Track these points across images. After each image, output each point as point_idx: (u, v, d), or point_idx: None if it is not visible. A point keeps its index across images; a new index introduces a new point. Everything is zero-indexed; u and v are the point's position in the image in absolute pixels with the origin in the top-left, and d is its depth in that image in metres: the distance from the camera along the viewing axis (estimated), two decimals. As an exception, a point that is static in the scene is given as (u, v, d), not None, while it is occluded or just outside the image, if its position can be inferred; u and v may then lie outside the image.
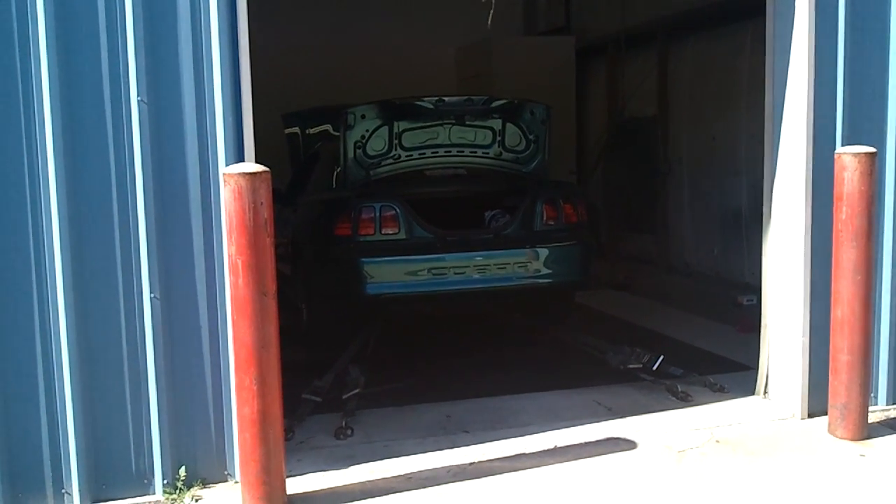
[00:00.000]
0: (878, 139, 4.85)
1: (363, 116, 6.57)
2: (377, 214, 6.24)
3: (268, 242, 3.78)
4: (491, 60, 10.42)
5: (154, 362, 4.07)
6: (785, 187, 5.01)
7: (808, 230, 4.85)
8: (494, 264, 6.36)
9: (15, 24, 3.80)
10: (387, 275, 6.22)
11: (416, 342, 7.31)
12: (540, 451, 4.61)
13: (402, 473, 4.37)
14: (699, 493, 4.11)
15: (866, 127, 4.87)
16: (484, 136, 6.98)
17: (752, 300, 6.72)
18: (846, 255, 4.54)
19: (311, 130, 8.43)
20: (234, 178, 3.73)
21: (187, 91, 4.03)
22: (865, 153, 4.51)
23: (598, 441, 4.74)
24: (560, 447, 4.66)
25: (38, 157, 3.86)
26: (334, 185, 6.93)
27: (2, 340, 3.91)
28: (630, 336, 6.77)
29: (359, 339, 6.44)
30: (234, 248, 3.77)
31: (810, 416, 4.94)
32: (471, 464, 4.48)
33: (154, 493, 4.13)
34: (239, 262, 3.75)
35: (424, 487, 4.20)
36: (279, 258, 4.18)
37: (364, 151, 6.65)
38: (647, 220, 9.56)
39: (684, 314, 7.85)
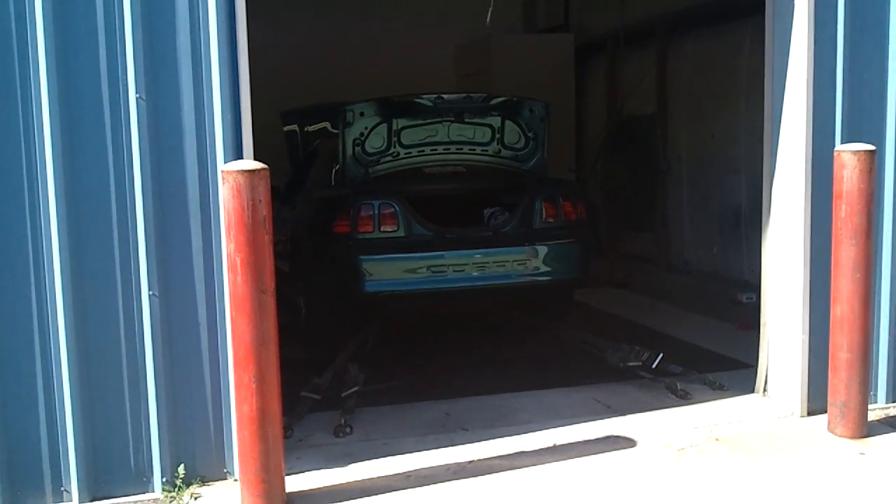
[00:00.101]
0: (878, 137, 4.85)
1: (362, 114, 6.56)
2: (376, 212, 6.23)
3: (266, 240, 3.78)
4: (490, 58, 10.42)
5: (153, 360, 4.07)
6: (784, 185, 5.01)
7: (808, 228, 4.85)
8: (493, 262, 6.36)
9: (13, 23, 3.80)
10: (386, 272, 6.21)
11: (416, 340, 7.31)
12: (539, 450, 4.61)
13: (401, 471, 4.36)
14: (699, 491, 4.10)
15: (865, 125, 4.87)
16: (483, 134, 6.97)
17: (751, 298, 6.74)
18: (846, 253, 4.53)
19: (310, 128, 8.43)
20: (232, 175, 3.73)
21: (186, 89, 4.02)
22: (865, 151, 4.50)
23: (597, 439, 4.73)
24: (559, 445, 4.66)
25: (36, 156, 3.86)
26: (333, 183, 6.93)
27: (1, 339, 3.90)
28: (629, 334, 6.77)
29: (358, 337, 6.44)
30: (232, 246, 3.77)
31: (810, 414, 4.94)
32: (470, 462, 4.47)
33: (153, 491, 4.13)
34: (238, 260, 3.75)
35: (423, 485, 4.19)
36: (278, 256, 4.18)
37: (363, 149, 6.64)
38: (647, 218, 9.56)
39: (684, 312, 7.85)
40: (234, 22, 4.04)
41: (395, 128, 6.69)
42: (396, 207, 6.26)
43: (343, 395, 5.26)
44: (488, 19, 9.86)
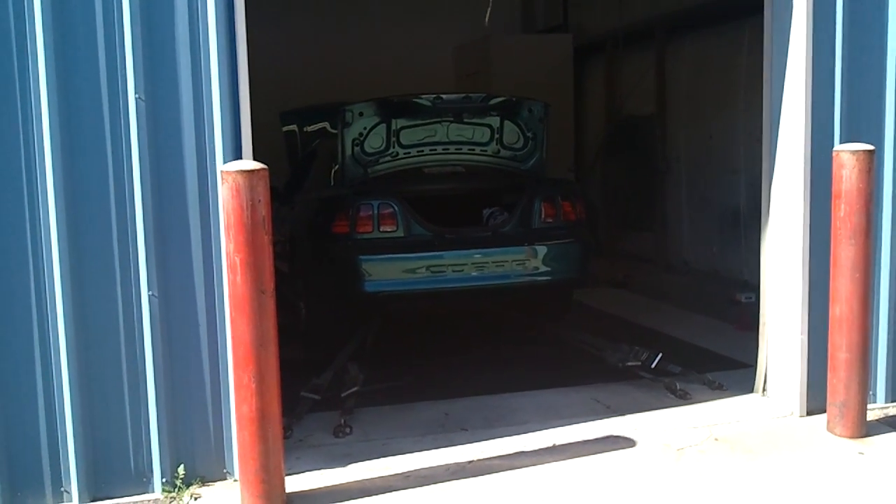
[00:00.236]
0: (877, 137, 4.85)
1: (361, 114, 6.56)
2: (375, 212, 6.23)
3: (266, 240, 3.78)
4: (489, 58, 10.42)
5: (152, 361, 4.07)
6: (783, 185, 5.01)
7: (807, 228, 4.85)
8: (493, 262, 6.35)
9: (12, 21, 3.80)
10: (385, 272, 6.21)
11: (415, 340, 7.30)
12: (538, 450, 4.61)
13: (400, 472, 4.37)
14: (698, 491, 4.11)
15: (864, 124, 4.87)
16: (482, 134, 6.97)
17: (750, 298, 6.73)
18: (845, 253, 4.54)
19: (309, 128, 8.42)
20: (231, 175, 3.73)
21: (185, 89, 4.02)
22: (864, 151, 4.51)
23: (596, 439, 4.74)
24: (559, 445, 4.66)
25: (35, 154, 3.86)
26: (332, 183, 6.93)
27: (0, 340, 3.90)
28: (629, 334, 6.78)
29: (357, 337, 6.44)
30: (232, 246, 3.77)
31: (809, 413, 4.94)
32: (469, 462, 4.47)
33: (153, 492, 4.13)
34: (237, 260, 3.75)
35: (423, 486, 4.19)
36: (277, 256, 4.18)
37: (362, 149, 6.64)
38: (646, 218, 9.56)
39: (683, 312, 7.85)
40: (234, 22, 4.04)
41: (394, 128, 6.69)
42: (395, 207, 6.26)
43: (342, 395, 5.25)
44: (487, 20, 9.87)
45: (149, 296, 4.04)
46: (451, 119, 6.80)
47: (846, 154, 4.52)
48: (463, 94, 6.93)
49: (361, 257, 6.15)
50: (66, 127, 3.88)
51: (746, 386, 5.38)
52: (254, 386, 3.80)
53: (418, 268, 6.22)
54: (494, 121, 6.95)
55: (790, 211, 4.95)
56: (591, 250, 7.17)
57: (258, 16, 4.76)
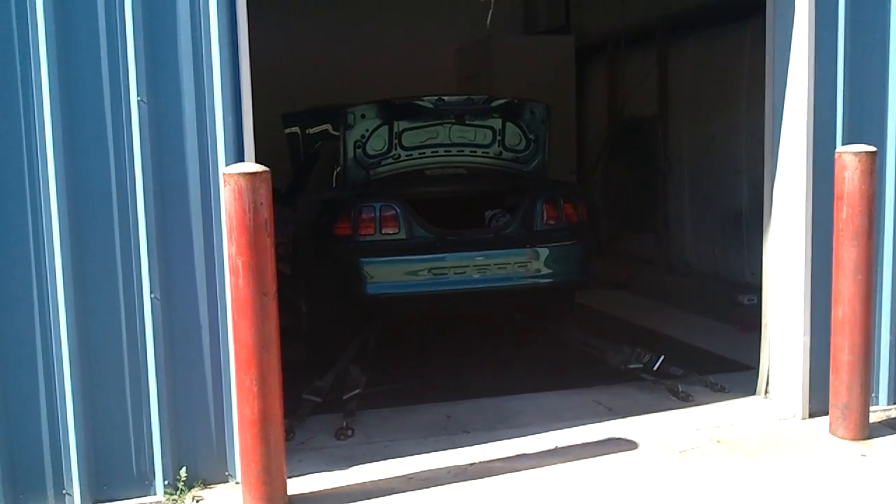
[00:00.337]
0: (879, 138, 4.84)
1: (363, 116, 6.56)
2: (377, 214, 6.22)
3: (268, 242, 3.78)
4: (491, 59, 10.43)
5: (154, 363, 4.07)
6: (785, 186, 5.01)
7: (809, 229, 4.85)
8: (494, 264, 6.34)
9: (14, 26, 3.80)
10: (387, 275, 6.20)
11: (417, 342, 7.30)
12: (541, 452, 4.61)
13: (402, 474, 4.36)
14: (700, 493, 4.10)
15: (867, 126, 4.87)
16: (484, 136, 6.97)
17: (752, 299, 6.73)
18: (847, 255, 4.53)
19: (311, 130, 8.43)
20: (234, 178, 3.73)
21: (187, 91, 4.02)
22: (866, 152, 4.50)
23: (598, 441, 4.73)
24: (561, 447, 4.66)
25: (38, 158, 3.86)
26: (334, 185, 6.93)
27: (2, 341, 3.90)
28: (630, 336, 6.76)
29: (359, 339, 6.44)
30: (234, 248, 3.77)
31: (811, 415, 4.94)
32: (471, 464, 4.47)
33: (155, 494, 4.13)
34: (239, 262, 3.75)
35: (425, 488, 4.19)
36: (279, 258, 4.18)
37: (364, 151, 6.64)
38: (648, 220, 9.56)
39: (685, 314, 7.84)
40: (236, 24, 4.04)
41: (396, 130, 6.69)
42: (397, 209, 6.26)
43: (344, 397, 5.25)
44: (489, 21, 9.87)
45: (151, 298, 4.04)
46: (453, 121, 6.79)
47: (848, 155, 4.51)
48: (465, 96, 6.93)
49: (363, 259, 6.15)
50: (69, 129, 3.88)
51: (748, 388, 5.37)
52: (256, 388, 3.80)
53: (420, 270, 6.21)
54: (496, 122, 6.94)
55: (792, 212, 4.94)
56: (593, 252, 7.16)
57: (260, 17, 4.76)
